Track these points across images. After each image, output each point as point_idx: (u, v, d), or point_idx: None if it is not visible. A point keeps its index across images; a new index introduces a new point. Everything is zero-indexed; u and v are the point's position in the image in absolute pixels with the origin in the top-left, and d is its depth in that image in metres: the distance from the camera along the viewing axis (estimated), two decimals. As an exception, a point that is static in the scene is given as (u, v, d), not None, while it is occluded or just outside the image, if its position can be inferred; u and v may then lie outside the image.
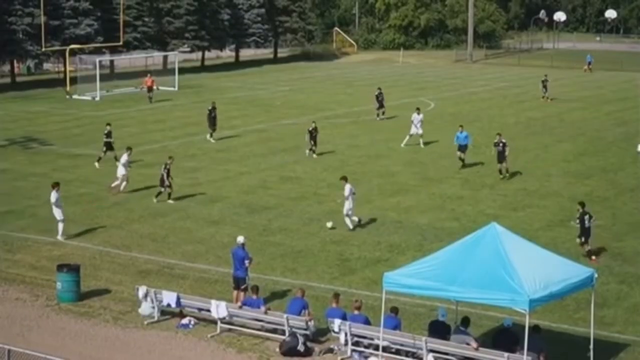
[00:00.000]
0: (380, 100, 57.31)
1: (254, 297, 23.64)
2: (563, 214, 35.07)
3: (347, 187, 32.34)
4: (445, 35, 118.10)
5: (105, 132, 43.10)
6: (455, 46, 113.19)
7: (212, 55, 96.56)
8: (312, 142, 45.11)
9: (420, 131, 47.98)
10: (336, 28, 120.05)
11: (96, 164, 42.36)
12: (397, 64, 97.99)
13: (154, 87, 65.95)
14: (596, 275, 21.68)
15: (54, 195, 31.12)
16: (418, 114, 48.49)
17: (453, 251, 21.06)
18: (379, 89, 58.43)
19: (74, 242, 31.00)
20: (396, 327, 21.99)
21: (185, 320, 24.04)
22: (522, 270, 19.66)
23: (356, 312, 22.65)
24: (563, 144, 49.47)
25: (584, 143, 49.71)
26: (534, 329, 20.77)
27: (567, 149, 48.10)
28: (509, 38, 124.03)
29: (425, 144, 47.98)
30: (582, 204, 29.74)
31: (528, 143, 49.28)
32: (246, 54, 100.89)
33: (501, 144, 40.36)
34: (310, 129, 45.42)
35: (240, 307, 23.50)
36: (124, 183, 37.85)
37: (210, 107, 49.62)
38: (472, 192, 38.27)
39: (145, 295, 24.41)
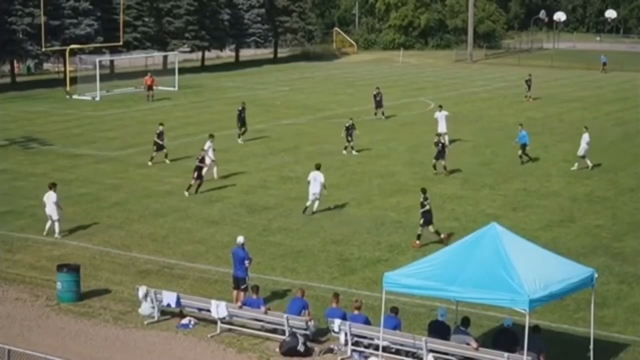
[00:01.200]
0: (378, 100, 57.22)
1: (254, 297, 23.64)
2: (563, 214, 35.10)
3: (311, 175, 34.48)
4: (445, 35, 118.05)
5: (157, 132, 43.00)
6: (455, 46, 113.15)
7: (212, 55, 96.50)
8: (350, 139, 45.50)
9: (444, 129, 47.88)
10: (336, 28, 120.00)
11: (149, 162, 42.67)
12: (397, 64, 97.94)
13: (154, 86, 65.96)
14: (596, 275, 21.69)
15: (54, 196, 31.09)
16: (440, 111, 48.55)
17: (453, 251, 21.07)
18: (377, 88, 58.42)
19: (74, 242, 30.98)
20: (396, 327, 21.99)
21: (185, 320, 24.03)
22: (522, 270, 19.66)
23: (356, 312, 22.64)
24: (563, 144, 49.42)
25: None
26: (534, 329, 20.76)
27: (567, 149, 48.01)
28: (509, 38, 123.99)
29: (451, 141, 47.91)
30: (424, 190, 31.51)
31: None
32: (246, 54, 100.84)
33: (440, 144, 41.65)
34: (347, 125, 45.64)
35: (240, 307, 23.49)
36: (215, 168, 39.03)
37: (240, 108, 49.53)
38: (472, 192, 38.26)
39: (145, 295, 24.40)
